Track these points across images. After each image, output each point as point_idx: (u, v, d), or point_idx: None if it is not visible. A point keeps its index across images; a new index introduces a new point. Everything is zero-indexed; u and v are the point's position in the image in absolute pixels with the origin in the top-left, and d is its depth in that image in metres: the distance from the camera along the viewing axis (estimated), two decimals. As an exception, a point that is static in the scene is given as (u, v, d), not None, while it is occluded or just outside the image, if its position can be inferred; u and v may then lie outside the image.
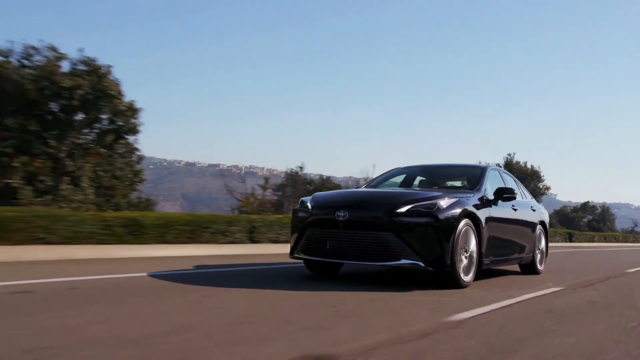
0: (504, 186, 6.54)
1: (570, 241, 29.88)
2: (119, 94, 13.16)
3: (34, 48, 12.59)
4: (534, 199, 8.07)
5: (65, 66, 12.63)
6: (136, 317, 3.25)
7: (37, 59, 12.59)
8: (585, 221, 53.96)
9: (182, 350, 2.46)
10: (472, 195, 5.73)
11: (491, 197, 6.03)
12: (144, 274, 5.32)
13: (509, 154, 41.72)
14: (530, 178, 39.37)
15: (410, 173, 7.26)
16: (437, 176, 7.14)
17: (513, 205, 6.48)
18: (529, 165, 40.71)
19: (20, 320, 3.03)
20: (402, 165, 7.54)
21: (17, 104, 11.90)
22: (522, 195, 7.40)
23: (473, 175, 6.48)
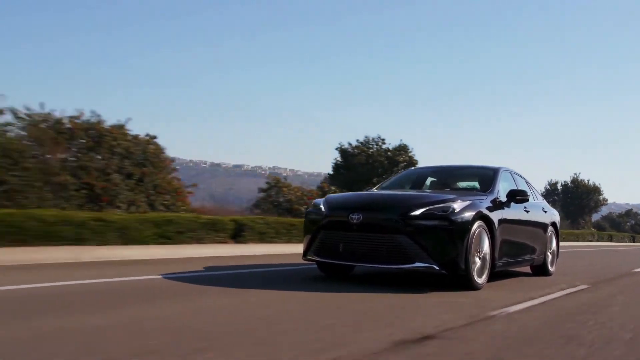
0: (516, 188, 6.53)
1: (634, 242, 41.90)
2: (409, 153, 23.93)
3: (373, 139, 24.09)
4: (544, 200, 8.05)
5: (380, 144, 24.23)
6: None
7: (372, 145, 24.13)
8: (629, 225, 63.93)
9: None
10: (485, 197, 5.73)
11: (504, 199, 6.02)
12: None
13: (575, 174, 50.69)
14: (593, 193, 48.93)
15: (421, 174, 7.27)
16: (448, 177, 7.13)
17: (525, 207, 6.46)
18: (591, 183, 49.73)
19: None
20: (413, 167, 7.54)
21: (375, 172, 22.88)
22: (534, 196, 7.38)
23: (485, 177, 6.47)
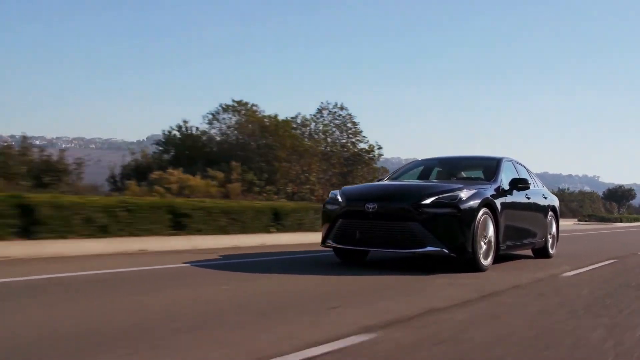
0: (518, 176, 6.97)
1: None
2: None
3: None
4: (544, 187, 8.50)
5: None
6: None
7: None
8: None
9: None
10: (489, 186, 6.19)
11: (506, 187, 6.48)
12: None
13: None
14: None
15: (428, 165, 7.71)
16: (454, 168, 7.57)
17: (526, 194, 6.93)
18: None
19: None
20: (420, 158, 7.99)
21: None
22: (535, 184, 7.82)
23: (489, 167, 6.92)
